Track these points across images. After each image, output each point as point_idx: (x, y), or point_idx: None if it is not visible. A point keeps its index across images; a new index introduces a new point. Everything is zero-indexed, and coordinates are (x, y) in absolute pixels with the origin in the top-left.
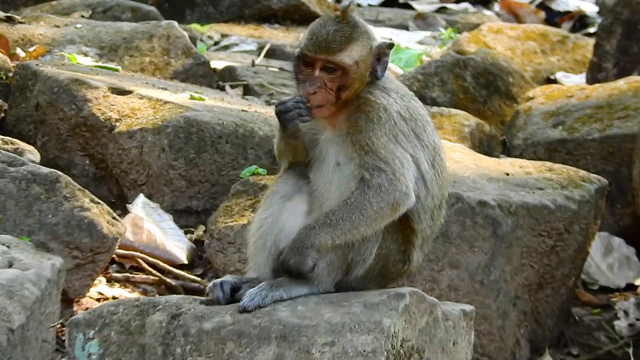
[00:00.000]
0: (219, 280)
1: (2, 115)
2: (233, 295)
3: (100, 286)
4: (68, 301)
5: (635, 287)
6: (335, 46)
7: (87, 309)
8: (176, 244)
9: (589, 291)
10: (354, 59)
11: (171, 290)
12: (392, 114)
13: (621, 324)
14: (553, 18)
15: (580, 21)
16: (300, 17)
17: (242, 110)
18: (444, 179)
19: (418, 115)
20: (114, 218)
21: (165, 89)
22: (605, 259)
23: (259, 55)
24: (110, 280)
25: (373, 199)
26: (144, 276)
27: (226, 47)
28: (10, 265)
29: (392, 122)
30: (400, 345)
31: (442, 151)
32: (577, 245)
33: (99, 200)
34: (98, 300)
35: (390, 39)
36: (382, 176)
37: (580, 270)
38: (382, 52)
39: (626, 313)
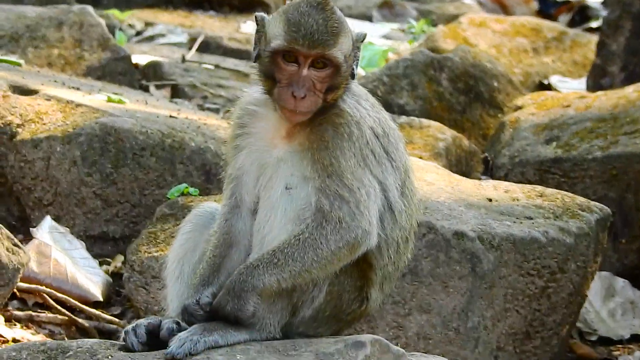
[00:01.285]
0: (131, 324)
1: None
2: (153, 339)
3: None
4: None
5: None
6: (329, 39)
7: None
8: (89, 277)
9: (586, 342)
10: (344, 54)
11: (83, 332)
12: (364, 130)
13: None
14: (548, 9)
15: (580, 13)
16: (240, 3)
17: (170, 117)
18: (414, 207)
19: (390, 129)
20: (14, 245)
21: (78, 89)
22: (606, 304)
23: (190, 49)
24: (10, 320)
25: (331, 236)
26: (51, 315)
27: (151, 38)
28: None
29: (364, 140)
30: None
31: (412, 172)
32: (572, 287)
33: None
34: None
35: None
36: (344, 208)
37: (576, 317)
38: (357, 46)
39: None
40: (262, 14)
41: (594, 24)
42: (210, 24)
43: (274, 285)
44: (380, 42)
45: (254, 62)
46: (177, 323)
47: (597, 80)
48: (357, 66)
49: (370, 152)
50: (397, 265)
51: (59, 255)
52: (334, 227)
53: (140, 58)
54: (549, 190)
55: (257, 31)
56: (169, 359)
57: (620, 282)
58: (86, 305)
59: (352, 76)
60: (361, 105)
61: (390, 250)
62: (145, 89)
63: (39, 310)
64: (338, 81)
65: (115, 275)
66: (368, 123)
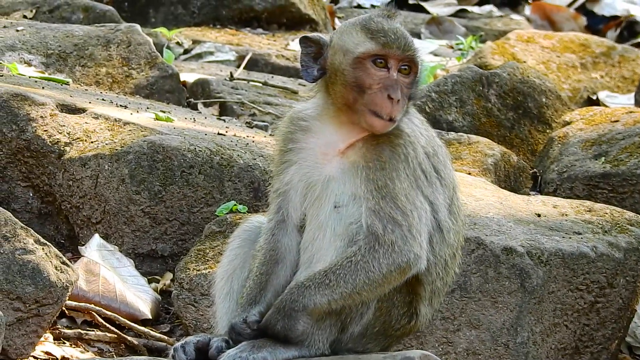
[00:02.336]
0: (180, 342)
1: None
2: (202, 357)
3: (46, 344)
4: None
5: None
6: (412, 43)
7: None
8: (138, 294)
9: (636, 357)
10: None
11: (132, 350)
12: (418, 150)
13: None
14: (596, 25)
15: (629, 29)
16: (288, 20)
17: (218, 134)
18: (461, 223)
19: (438, 147)
20: (63, 263)
21: (126, 107)
22: None
23: (238, 67)
24: (59, 338)
25: (383, 260)
26: (100, 333)
27: (199, 56)
28: None
29: (417, 161)
30: None
31: (458, 188)
32: (621, 302)
33: (46, 241)
34: None
35: None
36: (396, 232)
37: (626, 332)
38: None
39: None
40: (316, 34)
41: None
42: (258, 42)
43: (325, 305)
44: (428, 58)
45: (312, 81)
46: (226, 341)
47: None
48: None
49: (422, 173)
50: (445, 281)
51: (108, 273)
52: (386, 251)
53: (188, 76)
54: (598, 205)
55: (309, 51)
56: None
57: None
58: (135, 323)
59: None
60: (414, 124)
61: (439, 267)
62: (193, 107)
63: (88, 328)
64: (416, 90)
65: (164, 293)
66: (421, 142)
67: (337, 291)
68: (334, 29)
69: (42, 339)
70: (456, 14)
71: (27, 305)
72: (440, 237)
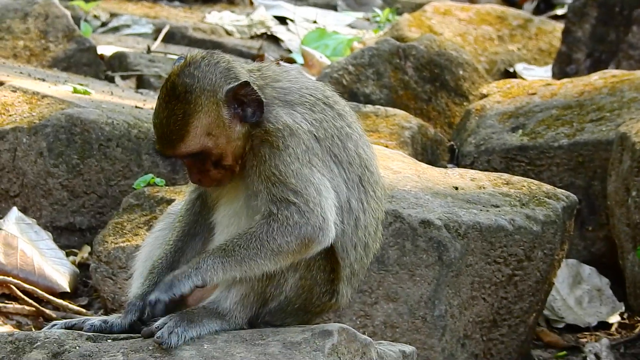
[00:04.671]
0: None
1: None
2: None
3: None
4: None
5: (609, 325)
6: (175, 137)
7: None
8: (56, 268)
9: (553, 330)
10: (204, 134)
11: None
12: (300, 135)
13: None
14: None
15: (545, 1)
16: None
17: (136, 107)
18: (378, 198)
19: (333, 129)
20: None
21: (44, 80)
22: (573, 291)
23: (155, 40)
24: None
25: (277, 232)
26: (18, 306)
27: (116, 29)
28: None
29: (302, 146)
30: None
31: (372, 164)
32: (539, 275)
33: None
34: None
35: (315, 21)
36: (291, 208)
37: (543, 305)
38: (239, 95)
39: (597, 357)
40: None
41: (559, 12)
42: (175, 15)
43: (219, 270)
44: (345, 31)
45: None
46: (104, 321)
47: (563, 68)
48: (255, 107)
49: (314, 156)
50: (366, 261)
51: (26, 247)
52: (280, 225)
53: (106, 49)
54: (515, 178)
55: None
56: (159, 344)
57: (587, 270)
58: (53, 296)
59: (247, 120)
60: (296, 112)
61: (357, 249)
62: (111, 80)
63: (6, 301)
64: (219, 155)
65: (82, 266)
66: (304, 127)
67: (232, 257)
68: (251, 3)
69: None
70: None
71: None
72: (349, 218)
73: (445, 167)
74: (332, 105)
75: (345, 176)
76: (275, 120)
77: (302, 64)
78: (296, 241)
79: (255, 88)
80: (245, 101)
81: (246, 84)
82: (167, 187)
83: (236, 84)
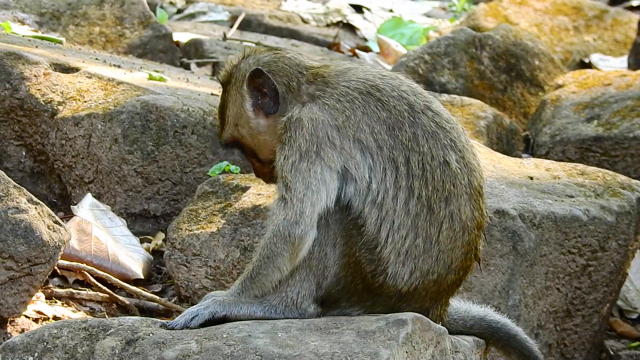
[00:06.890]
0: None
1: None
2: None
3: (38, 303)
4: (0, 321)
5: None
6: (219, 126)
7: (23, 330)
8: (130, 254)
9: (627, 320)
10: (233, 124)
11: (124, 310)
12: (304, 123)
13: None
14: None
15: None
16: None
17: (212, 94)
18: (429, 177)
19: (364, 117)
20: (55, 222)
21: (119, 67)
22: None
23: (231, 27)
24: (50, 297)
25: (270, 234)
26: (92, 293)
27: (192, 16)
28: None
29: (305, 135)
30: None
31: (420, 145)
32: (613, 266)
33: (38, 200)
34: (36, 320)
35: (391, 10)
36: (281, 205)
37: (617, 296)
38: (257, 84)
39: None
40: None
41: (635, 2)
42: (251, 2)
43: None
44: (421, 20)
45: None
46: None
47: (638, 59)
48: (271, 97)
49: (319, 142)
50: (421, 246)
51: (100, 233)
52: (273, 224)
53: (182, 36)
54: (590, 169)
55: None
56: (168, 329)
57: None
58: (127, 282)
59: (266, 112)
60: (314, 103)
61: (401, 230)
62: (187, 67)
63: (80, 288)
64: (251, 145)
65: (156, 253)
66: (319, 118)
67: (256, 266)
68: None
69: (34, 298)
70: None
71: (20, 264)
72: (374, 197)
73: (520, 157)
74: (375, 94)
75: (378, 159)
76: (290, 114)
77: (377, 53)
78: (280, 241)
79: (294, 83)
80: (265, 91)
81: (259, 72)
82: (242, 175)
83: (250, 72)
